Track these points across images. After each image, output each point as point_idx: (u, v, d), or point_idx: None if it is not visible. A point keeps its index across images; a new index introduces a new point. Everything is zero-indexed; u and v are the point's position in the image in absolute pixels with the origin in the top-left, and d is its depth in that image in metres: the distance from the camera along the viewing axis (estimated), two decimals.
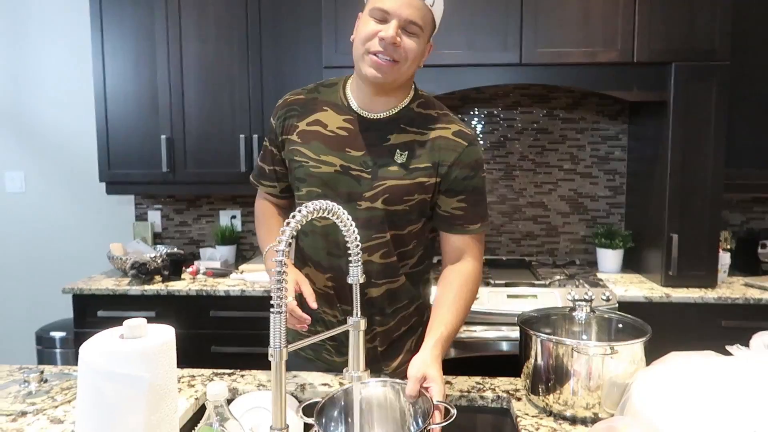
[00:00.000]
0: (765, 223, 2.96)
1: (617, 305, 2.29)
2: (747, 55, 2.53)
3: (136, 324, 0.85)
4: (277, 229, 1.35)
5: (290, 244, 0.91)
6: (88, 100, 3.04)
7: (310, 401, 1.10)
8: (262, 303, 2.50)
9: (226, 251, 2.97)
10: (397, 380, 1.16)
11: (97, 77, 2.77)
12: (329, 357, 1.48)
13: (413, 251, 1.42)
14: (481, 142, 2.94)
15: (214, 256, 2.93)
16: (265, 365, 1.58)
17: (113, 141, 2.80)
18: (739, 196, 2.90)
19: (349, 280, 1.05)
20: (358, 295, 1.06)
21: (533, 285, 2.44)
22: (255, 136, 2.72)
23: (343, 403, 1.12)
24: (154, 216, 3.16)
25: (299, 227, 0.93)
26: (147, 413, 0.80)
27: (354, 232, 1.02)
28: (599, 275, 2.67)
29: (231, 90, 2.74)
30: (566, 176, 2.99)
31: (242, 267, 2.75)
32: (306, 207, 0.94)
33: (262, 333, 2.49)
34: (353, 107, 1.36)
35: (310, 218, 0.94)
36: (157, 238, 3.17)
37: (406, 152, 1.33)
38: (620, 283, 2.54)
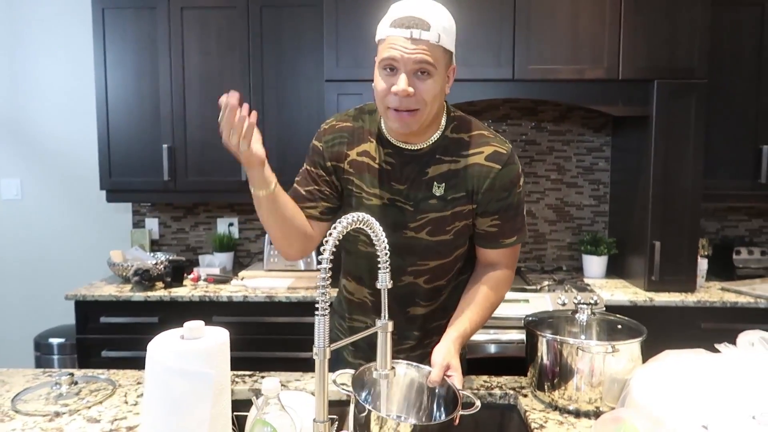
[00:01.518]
0: (739, 230, 3.13)
1: (604, 309, 2.42)
2: (722, 73, 2.70)
3: (196, 326, 0.93)
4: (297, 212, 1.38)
5: (333, 253, 0.99)
6: (88, 109, 3.09)
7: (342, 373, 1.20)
8: (264, 308, 2.58)
9: (224, 258, 3.03)
10: (422, 365, 1.26)
11: (99, 87, 2.82)
12: (347, 357, 1.56)
13: (457, 274, 1.48)
14: None
15: (213, 262, 2.99)
16: (273, 368, 1.66)
17: (114, 150, 2.85)
18: (715, 206, 3.06)
19: (378, 286, 1.13)
20: (386, 297, 1.15)
21: (525, 290, 2.55)
22: None
23: (371, 380, 1.21)
24: (152, 223, 3.21)
25: (341, 237, 1.01)
26: (211, 406, 0.88)
27: (384, 240, 1.11)
28: (586, 280, 2.80)
29: None
30: (553, 186, 3.13)
31: (242, 273, 2.82)
32: (345, 219, 1.02)
33: (265, 338, 2.57)
34: (391, 141, 1.37)
35: (348, 229, 1.03)
36: (154, 245, 3.22)
37: (443, 183, 1.36)
38: (606, 288, 2.67)
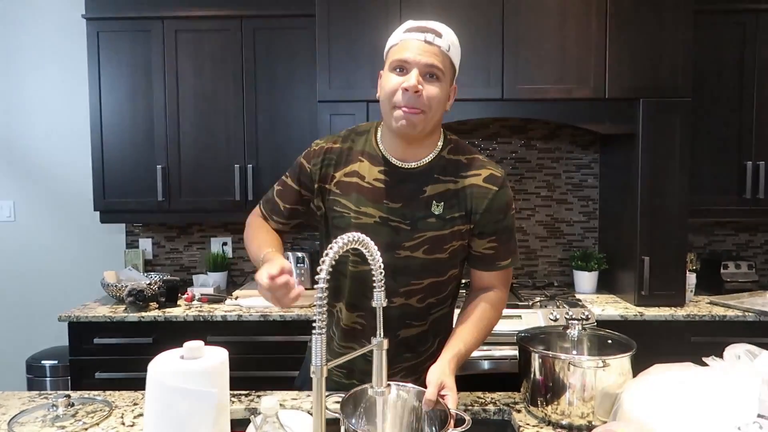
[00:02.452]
0: (726, 245, 3.18)
1: (596, 324, 2.45)
2: (706, 91, 2.77)
3: (196, 346, 0.95)
4: (272, 239, 1.43)
5: (329, 272, 1.01)
6: (81, 130, 3.11)
7: (331, 394, 1.20)
8: (258, 328, 2.59)
9: (218, 277, 3.04)
10: (416, 386, 1.28)
11: (93, 108, 2.85)
12: (338, 380, 1.55)
13: (449, 295, 1.49)
14: None
15: (207, 282, 3.00)
16: (268, 387, 1.67)
17: (108, 171, 2.87)
18: (702, 221, 3.11)
19: (373, 304, 1.15)
20: (381, 316, 1.17)
21: (517, 306, 2.58)
22: (249, 166, 2.82)
23: (364, 404, 1.23)
24: (145, 243, 3.22)
25: (337, 257, 1.04)
26: (212, 425, 0.90)
27: (378, 260, 1.13)
28: (577, 296, 2.83)
29: (226, 122, 2.85)
30: (543, 202, 3.17)
31: (236, 293, 2.83)
32: (341, 240, 1.05)
33: (260, 357, 2.57)
34: (387, 158, 1.39)
35: (344, 249, 1.05)
36: (148, 266, 3.22)
37: (442, 203, 1.38)
38: (597, 303, 2.71)
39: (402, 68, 1.30)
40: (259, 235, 1.48)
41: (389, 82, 1.31)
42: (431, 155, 1.40)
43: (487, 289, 1.47)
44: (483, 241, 1.42)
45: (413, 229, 1.38)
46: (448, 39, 1.32)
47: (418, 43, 1.29)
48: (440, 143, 1.41)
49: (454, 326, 1.45)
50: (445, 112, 1.37)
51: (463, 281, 1.57)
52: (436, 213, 1.38)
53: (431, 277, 1.42)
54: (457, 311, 1.54)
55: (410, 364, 1.50)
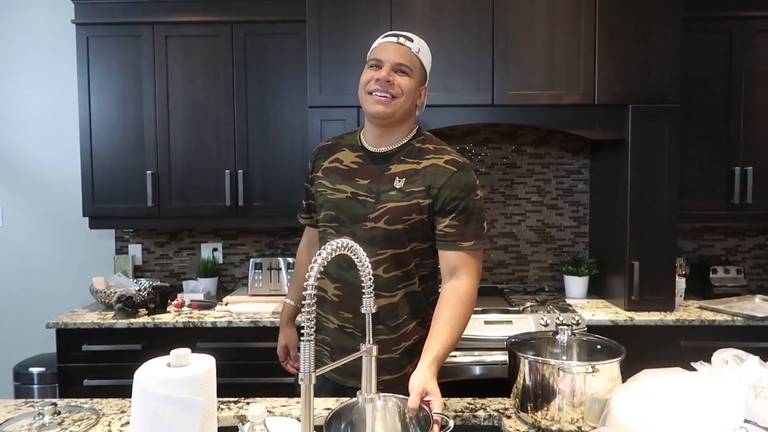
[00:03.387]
0: (715, 250, 3.21)
1: (586, 329, 2.46)
2: (694, 98, 2.79)
3: (183, 353, 0.94)
4: (296, 283, 1.91)
5: (322, 282, 1.01)
6: (71, 136, 3.10)
7: (319, 416, 1.20)
8: (248, 334, 2.57)
9: (208, 283, 3.03)
10: (400, 395, 1.28)
11: (82, 114, 2.83)
12: (336, 374, 1.60)
13: (414, 270, 1.56)
14: None
15: (197, 288, 2.98)
16: (258, 393, 1.67)
17: (98, 176, 2.85)
18: (691, 226, 3.13)
19: (362, 310, 1.17)
20: (371, 323, 1.17)
21: (508, 311, 2.58)
22: (240, 171, 2.81)
23: (348, 417, 1.23)
24: (135, 249, 3.20)
25: (325, 263, 1.04)
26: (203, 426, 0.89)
27: (368, 267, 1.14)
28: (568, 301, 2.84)
29: (217, 127, 2.84)
30: (534, 208, 3.18)
31: (227, 299, 2.82)
32: (329, 246, 1.05)
33: (249, 363, 2.56)
34: (364, 145, 1.62)
35: (332, 256, 1.05)
36: (137, 271, 3.20)
37: (404, 179, 1.54)
38: (587, 308, 2.71)
39: (376, 65, 1.54)
40: (294, 274, 1.99)
41: (365, 75, 1.56)
42: (401, 142, 1.59)
43: (454, 276, 1.52)
44: (445, 219, 1.52)
45: (376, 201, 1.54)
46: (419, 44, 1.57)
47: (391, 44, 1.55)
48: (412, 134, 1.61)
49: (430, 327, 1.47)
50: (416, 107, 1.60)
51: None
52: (398, 187, 1.53)
53: (393, 248, 1.53)
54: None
55: (383, 339, 1.54)
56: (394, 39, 1.55)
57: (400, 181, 1.54)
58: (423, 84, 1.60)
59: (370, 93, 1.52)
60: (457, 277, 1.52)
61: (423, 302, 1.60)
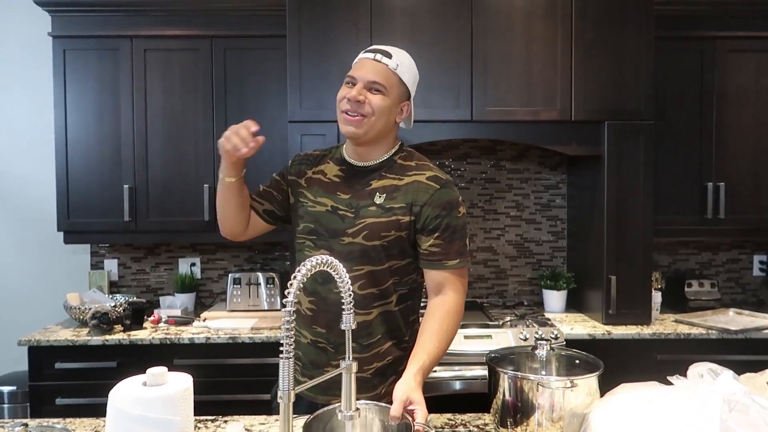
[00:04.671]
0: (690, 264, 3.26)
1: (565, 343, 2.48)
2: (668, 115, 2.86)
3: (159, 372, 0.93)
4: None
5: (297, 296, 1.01)
6: (45, 149, 3.05)
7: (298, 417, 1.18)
8: (227, 350, 2.54)
9: (186, 299, 2.99)
10: (381, 404, 1.27)
11: (58, 127, 2.80)
12: (306, 390, 1.55)
13: (392, 289, 1.53)
14: None
15: (174, 303, 2.94)
16: (237, 411, 1.65)
17: (73, 190, 2.81)
18: (666, 240, 3.18)
19: (342, 327, 1.15)
20: (350, 340, 1.17)
21: (487, 326, 2.59)
22: None
23: (328, 422, 1.22)
24: (111, 264, 3.15)
25: (305, 280, 1.03)
26: None
27: (347, 283, 1.13)
28: (546, 315, 2.86)
29: (195, 141, 2.82)
30: (512, 222, 3.21)
31: (204, 314, 2.78)
32: (309, 262, 1.05)
33: (228, 380, 2.53)
34: (347, 159, 1.60)
35: (312, 272, 1.05)
36: (113, 287, 3.15)
37: (384, 194, 1.52)
38: (566, 322, 2.74)
39: (351, 83, 1.51)
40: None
41: (340, 92, 1.53)
42: (383, 158, 1.57)
43: (440, 293, 1.51)
44: (428, 238, 1.50)
45: (356, 216, 1.51)
46: (398, 59, 1.53)
47: (367, 61, 1.52)
48: (394, 150, 1.59)
49: (417, 339, 1.47)
50: (396, 124, 1.57)
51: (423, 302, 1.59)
52: (378, 202, 1.51)
53: (370, 265, 1.50)
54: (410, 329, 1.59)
55: (355, 357, 1.49)
56: (371, 55, 1.52)
57: (380, 196, 1.51)
58: (404, 100, 1.55)
59: (343, 112, 1.50)
60: (444, 293, 1.51)
61: (399, 322, 1.57)
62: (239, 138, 1.44)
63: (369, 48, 1.56)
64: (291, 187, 1.65)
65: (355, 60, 1.57)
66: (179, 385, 0.94)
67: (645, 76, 2.65)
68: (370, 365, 1.53)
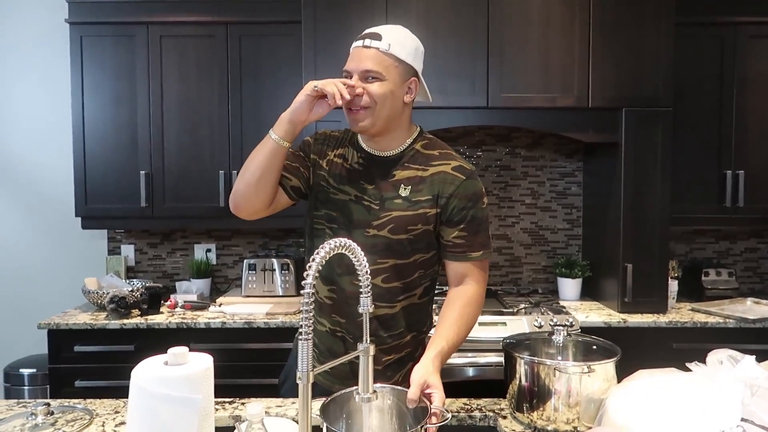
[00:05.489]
0: (707, 252, 3.23)
1: (580, 330, 2.47)
2: (686, 102, 2.81)
3: (180, 352, 0.94)
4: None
5: (316, 277, 1.01)
6: (63, 136, 3.07)
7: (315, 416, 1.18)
8: (242, 335, 2.56)
9: (202, 284, 3.01)
10: (399, 387, 1.27)
11: (75, 114, 2.82)
12: (323, 378, 1.56)
13: (417, 282, 1.52)
14: None
15: (190, 289, 2.97)
16: (252, 395, 1.66)
17: (90, 176, 2.83)
18: (683, 229, 3.15)
19: (360, 310, 1.16)
20: (368, 323, 1.17)
21: (502, 313, 2.59)
22: (234, 172, 2.80)
23: (346, 405, 1.22)
24: (128, 250, 3.18)
25: (323, 263, 1.04)
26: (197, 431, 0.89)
27: (365, 266, 1.13)
28: (561, 303, 2.85)
29: (211, 128, 2.83)
30: (528, 210, 3.19)
31: (220, 299, 2.81)
32: (327, 245, 1.05)
33: (243, 365, 2.55)
34: (365, 148, 1.54)
35: (330, 255, 1.05)
36: (130, 272, 3.18)
37: (410, 186, 1.47)
38: (581, 310, 2.72)
39: (348, 77, 1.45)
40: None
41: None
42: (402, 147, 1.52)
43: (463, 284, 1.50)
44: (452, 230, 1.47)
45: (381, 208, 1.47)
46: (389, 38, 1.43)
47: (357, 50, 1.45)
48: (413, 137, 1.53)
49: (436, 325, 1.47)
50: (406, 105, 1.49)
51: (441, 288, 1.58)
52: (403, 195, 1.47)
53: (395, 258, 1.47)
54: (435, 317, 1.57)
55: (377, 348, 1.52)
56: (360, 43, 1.44)
57: (405, 188, 1.47)
58: (409, 78, 1.46)
59: (347, 108, 1.44)
60: (465, 283, 1.50)
61: (422, 314, 1.57)
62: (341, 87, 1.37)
63: (359, 35, 1.47)
64: (313, 166, 1.57)
65: (350, 51, 1.49)
66: (200, 364, 0.95)
67: (664, 62, 2.61)
68: (388, 356, 1.53)
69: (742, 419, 1.01)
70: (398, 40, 1.44)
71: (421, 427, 1.12)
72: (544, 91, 2.61)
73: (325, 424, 1.08)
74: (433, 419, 1.17)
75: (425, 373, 1.27)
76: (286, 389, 1.69)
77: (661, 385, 1.20)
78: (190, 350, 1.04)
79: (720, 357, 1.21)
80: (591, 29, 2.59)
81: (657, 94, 2.61)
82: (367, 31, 1.46)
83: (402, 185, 1.48)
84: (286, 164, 1.52)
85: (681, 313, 2.69)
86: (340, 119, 2.54)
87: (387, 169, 1.50)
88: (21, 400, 1.57)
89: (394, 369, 1.54)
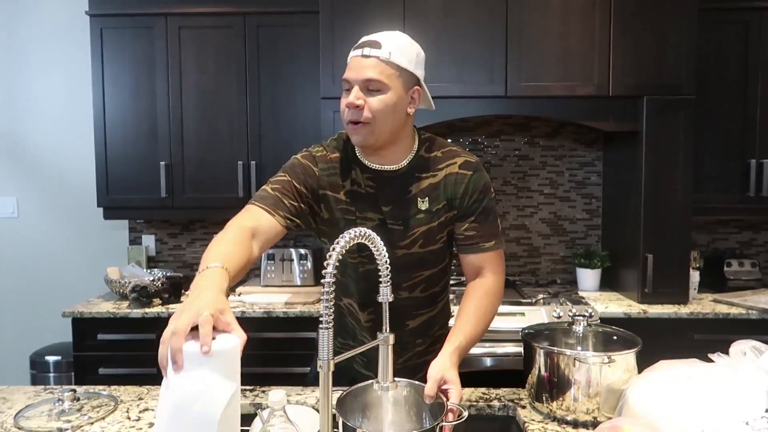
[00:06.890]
0: (729, 243, 3.18)
1: (599, 321, 2.45)
2: (709, 89, 2.76)
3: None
4: (234, 244, 1.27)
5: (336, 267, 1.02)
6: (85, 127, 3.11)
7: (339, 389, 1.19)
8: (261, 324, 2.59)
9: None
10: (416, 382, 1.27)
11: (96, 105, 2.85)
12: (358, 368, 1.59)
13: (447, 280, 1.59)
14: None
15: None
16: (272, 383, 1.68)
17: (112, 167, 2.87)
18: (705, 218, 3.11)
19: (379, 299, 1.16)
20: (387, 311, 1.17)
21: (520, 303, 2.58)
22: (253, 162, 2.82)
23: (362, 398, 1.23)
24: (148, 240, 3.22)
25: (344, 251, 1.04)
26: (224, 410, 0.91)
27: (384, 255, 1.13)
28: (580, 293, 2.83)
29: (229, 118, 2.85)
30: (546, 200, 3.17)
31: (240, 289, 2.84)
32: (346, 235, 1.05)
33: (262, 353, 2.58)
34: (367, 164, 1.45)
35: (351, 244, 1.05)
36: (151, 262, 3.23)
37: (427, 198, 1.45)
38: (600, 301, 2.71)
39: (347, 88, 1.37)
40: (222, 244, 1.27)
41: (341, 101, 1.39)
42: (409, 157, 1.46)
43: (480, 276, 1.50)
44: (464, 224, 1.47)
45: (406, 228, 1.45)
46: (389, 46, 1.34)
47: (356, 59, 1.36)
48: (416, 145, 1.48)
49: (455, 319, 1.46)
50: (408, 116, 1.40)
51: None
52: (423, 208, 1.45)
53: (430, 268, 1.50)
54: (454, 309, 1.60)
55: (421, 349, 1.57)
56: (359, 52, 1.35)
57: (423, 201, 1.44)
58: (411, 86, 1.39)
59: (349, 122, 1.37)
60: (483, 275, 1.50)
61: (450, 306, 1.64)
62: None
63: (356, 44, 1.39)
64: (324, 201, 1.46)
65: (348, 59, 1.40)
66: (229, 342, 0.99)
67: (686, 49, 2.56)
68: (433, 347, 1.52)
69: (767, 410, 1.00)
70: (398, 48, 1.36)
71: (437, 424, 1.12)
72: (563, 80, 2.58)
73: (341, 420, 1.09)
74: (450, 416, 1.17)
75: (442, 368, 1.26)
76: (312, 377, 1.71)
77: (683, 376, 1.19)
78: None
79: (743, 348, 1.19)
80: (612, 16, 2.55)
81: (679, 81, 2.57)
82: (365, 38, 1.38)
83: (419, 198, 1.45)
84: (287, 205, 1.40)
85: (702, 304, 2.65)
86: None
87: (400, 185, 1.45)
88: (48, 387, 1.61)
89: (440, 340, 1.50)
